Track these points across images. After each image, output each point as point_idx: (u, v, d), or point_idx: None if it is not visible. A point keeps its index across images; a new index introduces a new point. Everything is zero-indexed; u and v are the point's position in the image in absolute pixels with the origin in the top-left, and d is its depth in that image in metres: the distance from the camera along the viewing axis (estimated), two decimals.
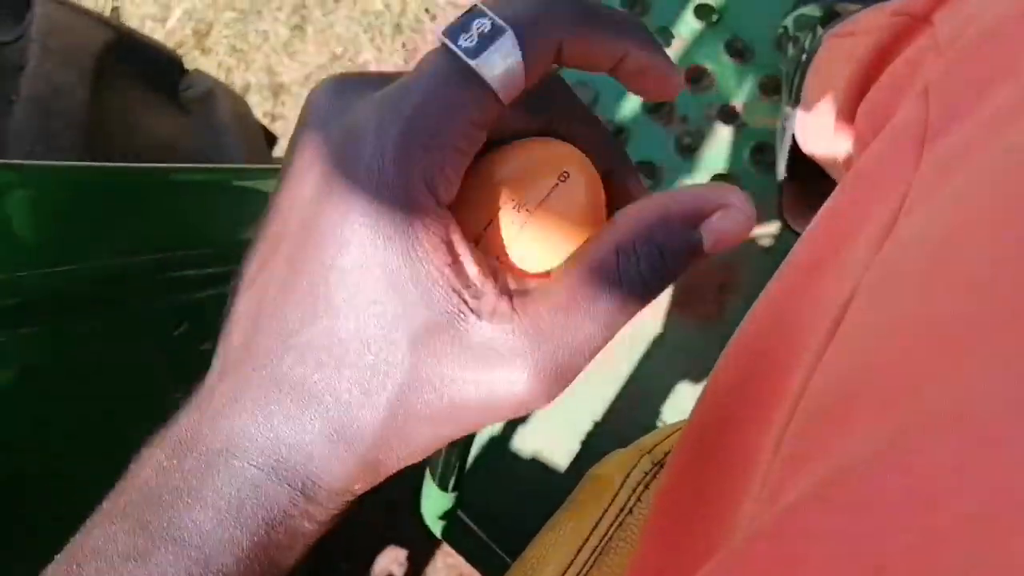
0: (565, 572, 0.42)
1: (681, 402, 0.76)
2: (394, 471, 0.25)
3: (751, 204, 0.26)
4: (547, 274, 0.27)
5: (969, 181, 0.28)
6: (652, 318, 0.78)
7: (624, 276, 0.24)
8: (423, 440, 0.24)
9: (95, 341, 0.37)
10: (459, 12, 0.25)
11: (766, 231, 0.77)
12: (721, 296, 0.77)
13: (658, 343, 0.77)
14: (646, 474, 0.39)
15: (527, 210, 0.27)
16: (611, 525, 0.42)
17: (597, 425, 0.76)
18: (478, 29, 0.24)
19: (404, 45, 1.41)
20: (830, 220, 0.35)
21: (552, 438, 0.77)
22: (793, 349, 0.30)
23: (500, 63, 0.24)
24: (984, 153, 0.29)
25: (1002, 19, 0.34)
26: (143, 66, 0.62)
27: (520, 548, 0.46)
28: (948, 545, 0.19)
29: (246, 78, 1.43)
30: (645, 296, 0.25)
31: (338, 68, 1.42)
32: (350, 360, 0.24)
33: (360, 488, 0.25)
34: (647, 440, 0.41)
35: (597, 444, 0.76)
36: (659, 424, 0.76)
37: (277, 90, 1.43)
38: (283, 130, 1.40)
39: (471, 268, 0.24)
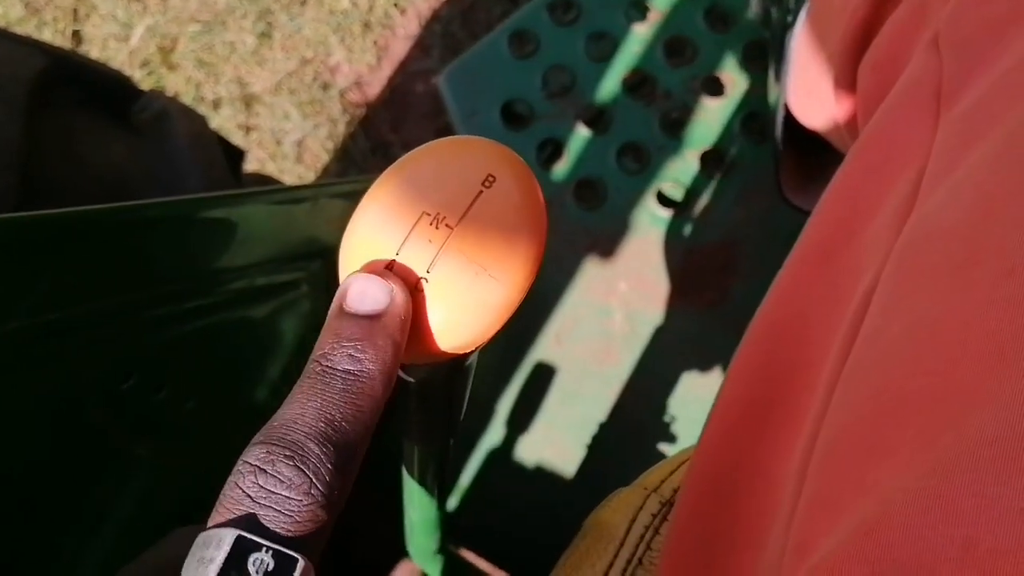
0: None
1: (690, 393, 0.72)
2: None
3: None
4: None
5: (1000, 147, 0.24)
6: (653, 310, 0.74)
7: None
8: None
9: (29, 409, 0.34)
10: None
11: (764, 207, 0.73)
12: (723, 279, 0.73)
13: (661, 335, 0.74)
14: (654, 516, 0.35)
15: (447, 226, 0.23)
16: None
17: (603, 427, 0.72)
18: (257, 568, 0.18)
19: (375, 43, 1.36)
20: (840, 199, 0.31)
21: (555, 447, 0.73)
22: (809, 360, 0.26)
23: None
24: (1013, 112, 0.25)
25: None
26: (87, 91, 0.58)
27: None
28: None
29: (216, 91, 1.39)
30: None
31: (309, 72, 1.38)
32: None
33: None
34: (652, 476, 0.37)
35: (606, 450, 0.73)
36: (668, 420, 0.72)
37: (249, 101, 1.39)
38: (257, 140, 1.36)
39: None
